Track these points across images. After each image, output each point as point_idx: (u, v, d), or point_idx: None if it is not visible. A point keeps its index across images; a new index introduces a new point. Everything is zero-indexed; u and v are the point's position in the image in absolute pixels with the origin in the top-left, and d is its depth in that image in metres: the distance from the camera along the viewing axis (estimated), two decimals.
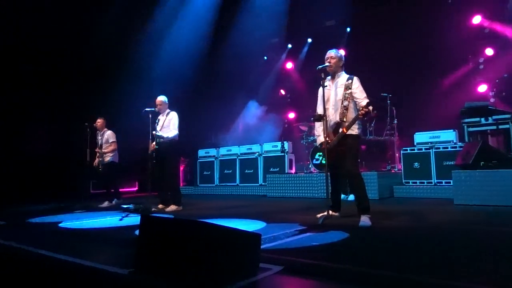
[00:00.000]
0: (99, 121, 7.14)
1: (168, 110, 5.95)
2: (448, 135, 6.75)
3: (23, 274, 2.86)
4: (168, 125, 5.79)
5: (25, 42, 8.25)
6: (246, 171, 9.19)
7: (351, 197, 6.26)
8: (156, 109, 5.88)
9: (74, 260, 2.56)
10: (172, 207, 5.72)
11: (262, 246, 2.36)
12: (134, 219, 4.75)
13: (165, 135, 5.69)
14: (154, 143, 5.74)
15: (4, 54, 7.95)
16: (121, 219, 4.86)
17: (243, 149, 9.48)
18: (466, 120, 6.47)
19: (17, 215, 5.64)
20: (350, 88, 3.94)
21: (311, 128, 8.42)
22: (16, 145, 8.23)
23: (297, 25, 11.07)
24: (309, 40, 11.94)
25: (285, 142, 8.82)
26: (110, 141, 7.05)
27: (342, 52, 4.23)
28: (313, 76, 4.78)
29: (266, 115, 11.56)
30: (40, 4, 8.00)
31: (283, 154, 8.69)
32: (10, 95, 8.12)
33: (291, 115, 12.25)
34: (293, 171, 8.75)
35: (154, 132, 5.71)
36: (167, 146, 5.72)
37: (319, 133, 4.24)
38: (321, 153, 7.56)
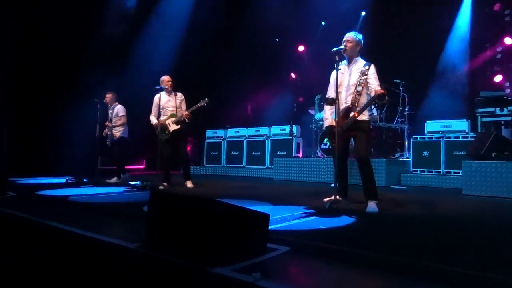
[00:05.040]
0: (108, 96, 7.19)
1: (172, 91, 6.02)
2: (460, 125, 6.64)
3: (32, 244, 2.91)
4: (180, 106, 5.94)
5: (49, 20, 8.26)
6: (253, 153, 9.18)
7: None
8: (167, 87, 5.88)
9: (82, 233, 2.58)
10: (190, 183, 5.94)
11: (269, 227, 2.35)
12: (142, 195, 4.80)
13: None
14: (171, 119, 5.81)
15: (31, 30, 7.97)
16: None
17: (251, 131, 9.44)
18: (481, 110, 6.33)
19: (27, 187, 5.71)
20: (366, 75, 3.86)
21: None
22: (29, 119, 8.27)
23: (311, 7, 10.83)
24: (323, 23, 11.70)
25: (293, 125, 8.76)
26: (120, 115, 7.10)
27: (360, 36, 4.05)
28: (325, 60, 4.69)
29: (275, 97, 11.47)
30: None
31: (291, 137, 8.65)
32: (30, 71, 8.15)
33: (301, 99, 12.13)
34: (301, 155, 8.72)
35: (185, 112, 5.80)
36: (183, 127, 5.86)
37: (327, 116, 4.18)
38: None
